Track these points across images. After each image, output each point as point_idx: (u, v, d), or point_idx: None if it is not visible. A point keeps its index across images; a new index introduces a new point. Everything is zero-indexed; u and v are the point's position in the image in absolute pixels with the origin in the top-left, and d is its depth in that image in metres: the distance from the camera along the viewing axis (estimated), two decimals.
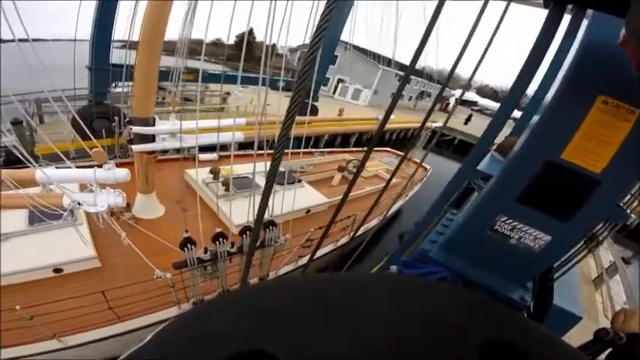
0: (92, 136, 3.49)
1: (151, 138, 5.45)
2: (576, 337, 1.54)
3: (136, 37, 10.55)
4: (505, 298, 1.82)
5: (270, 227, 4.44)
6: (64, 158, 3.31)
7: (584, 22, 1.17)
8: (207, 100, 16.62)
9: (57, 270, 4.35)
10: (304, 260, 5.52)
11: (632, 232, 16.79)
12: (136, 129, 5.27)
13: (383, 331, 0.41)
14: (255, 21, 5.05)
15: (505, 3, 2.48)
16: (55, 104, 3.47)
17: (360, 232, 6.65)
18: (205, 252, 3.99)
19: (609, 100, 1.12)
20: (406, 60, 24.46)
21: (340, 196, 2.15)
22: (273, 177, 1.30)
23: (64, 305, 3.53)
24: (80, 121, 3.36)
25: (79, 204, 3.26)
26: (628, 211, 1.54)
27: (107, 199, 3.35)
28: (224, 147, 9.05)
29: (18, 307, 3.13)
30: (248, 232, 4.14)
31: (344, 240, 6.48)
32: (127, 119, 5.42)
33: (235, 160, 6.21)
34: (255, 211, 1.54)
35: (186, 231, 3.92)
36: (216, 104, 15.82)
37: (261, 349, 0.36)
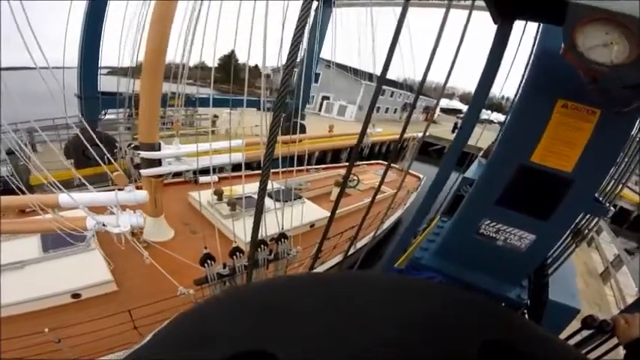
0: (100, 162, 3.57)
1: (158, 162, 5.63)
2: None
3: (124, 64, 10.80)
4: (502, 298, 1.85)
5: (282, 240, 4.60)
6: (60, 188, 3.36)
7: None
8: (196, 123, 16.70)
9: (75, 295, 4.38)
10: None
11: (634, 223, 17.11)
12: (144, 154, 5.44)
13: (383, 331, 0.42)
14: (237, 43, 5.24)
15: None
16: (46, 133, 3.52)
17: (364, 241, 6.72)
18: (224, 267, 4.12)
19: (569, 103, 1.19)
20: (388, 74, 25.03)
21: (342, 209, 2.20)
22: (263, 193, 1.34)
23: (87, 328, 3.55)
24: (87, 146, 3.44)
25: (103, 225, 3.39)
26: (607, 205, 1.61)
27: (129, 220, 3.51)
28: (219, 169, 9.26)
29: (47, 329, 3.17)
30: (263, 246, 4.32)
31: (347, 251, 6.59)
32: (133, 145, 5.56)
33: (235, 181, 6.40)
34: (252, 230, 1.58)
35: (206, 247, 4.10)
36: (206, 127, 15.92)
37: (262, 349, 0.37)
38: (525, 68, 3.16)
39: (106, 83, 10.75)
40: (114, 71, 12.34)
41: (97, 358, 3.68)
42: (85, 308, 4.27)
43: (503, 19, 1.11)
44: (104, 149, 3.74)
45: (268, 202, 4.23)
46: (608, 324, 1.19)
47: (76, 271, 4.60)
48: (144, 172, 5.51)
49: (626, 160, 1.52)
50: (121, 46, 10.05)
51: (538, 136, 1.30)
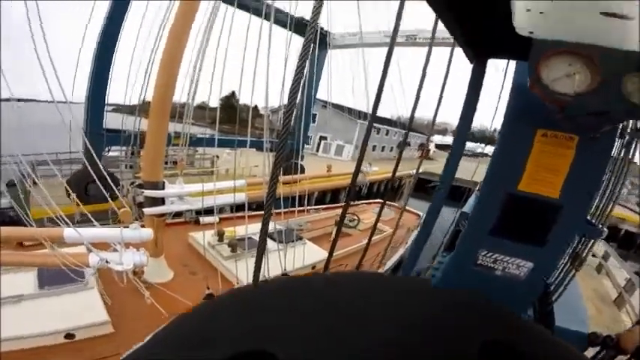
0: (79, 202, 3.58)
1: (161, 201, 5.65)
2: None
3: (129, 102, 11.21)
4: None
5: None
6: (67, 222, 3.41)
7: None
8: (197, 163, 16.95)
9: (69, 335, 4.22)
10: None
11: None
12: (148, 192, 5.50)
13: (383, 331, 0.42)
14: (237, 84, 5.54)
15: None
16: (48, 167, 3.57)
17: None
18: None
19: (548, 132, 1.27)
20: (382, 112, 25.91)
21: (342, 250, 2.22)
22: (265, 234, 1.35)
23: None
24: (89, 181, 3.47)
25: (107, 262, 3.37)
26: (600, 226, 1.63)
27: (133, 258, 3.49)
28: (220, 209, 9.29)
29: None
30: None
31: None
32: (137, 183, 5.61)
33: (236, 222, 6.37)
34: (254, 272, 1.58)
35: (208, 287, 4.11)
36: (206, 167, 16.15)
37: (262, 349, 0.37)
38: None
39: (111, 120, 11.08)
40: (118, 109, 12.82)
41: None
42: (79, 350, 4.10)
43: (478, 58, 1.22)
44: (110, 184, 3.80)
45: (270, 244, 4.25)
46: (612, 339, 1.18)
47: (71, 309, 4.47)
48: (147, 210, 5.53)
49: (613, 179, 1.58)
50: (128, 84, 10.51)
51: (522, 165, 1.36)
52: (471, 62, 1.27)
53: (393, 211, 11.61)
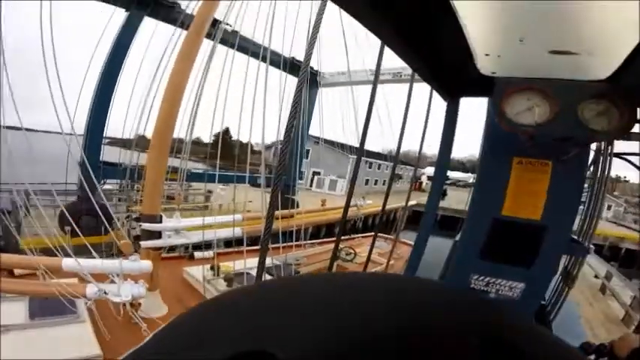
0: (80, 233, 3.58)
1: (158, 234, 5.64)
2: None
3: (128, 135, 11.32)
4: None
5: None
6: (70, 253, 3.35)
7: None
8: (190, 198, 16.85)
9: None
10: None
11: None
12: (145, 225, 5.48)
13: (384, 331, 0.43)
14: (232, 121, 5.76)
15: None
16: (41, 197, 3.59)
17: None
18: None
19: (523, 160, 1.38)
20: (373, 146, 26.44)
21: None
22: (263, 267, 1.39)
23: None
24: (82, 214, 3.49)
25: (105, 293, 3.34)
26: (586, 243, 1.69)
27: (131, 290, 3.48)
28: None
29: None
30: None
31: None
32: (135, 216, 5.59)
33: (230, 257, 6.28)
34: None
35: None
36: (199, 202, 16.05)
37: (262, 349, 0.38)
38: None
39: (107, 153, 11.16)
40: (114, 142, 12.95)
41: None
42: None
43: (451, 97, 1.35)
44: (103, 218, 3.80)
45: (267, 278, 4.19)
46: (605, 346, 1.20)
47: (62, 342, 4.27)
48: (144, 243, 5.48)
49: (594, 197, 1.67)
50: (127, 117, 10.71)
51: (503, 192, 1.45)
52: (445, 100, 1.40)
53: (389, 243, 11.54)
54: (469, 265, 1.74)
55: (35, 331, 4.39)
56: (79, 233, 3.39)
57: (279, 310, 0.45)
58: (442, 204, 26.10)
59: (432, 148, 3.81)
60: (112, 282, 3.47)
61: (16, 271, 5.32)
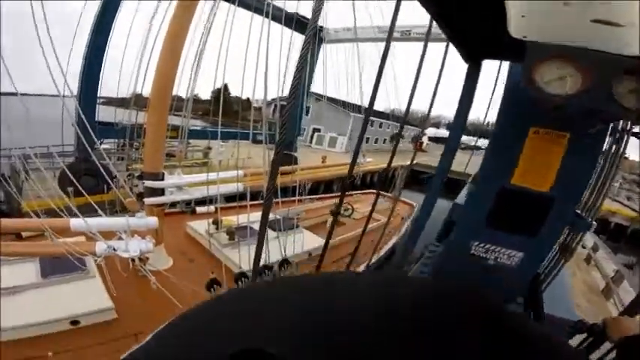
0: (84, 193, 3.62)
1: (161, 191, 5.73)
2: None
3: (121, 94, 11.04)
4: None
5: (285, 265, 4.81)
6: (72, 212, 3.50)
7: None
8: (189, 155, 16.82)
9: (74, 322, 4.29)
10: None
11: (631, 238, 17.19)
12: (148, 183, 5.56)
13: (384, 331, 0.43)
14: (229, 76, 5.58)
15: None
16: (41, 160, 3.59)
17: (359, 269, 6.70)
18: None
19: (540, 130, 1.32)
20: (375, 105, 25.83)
21: (338, 238, 2.27)
22: (265, 222, 1.40)
23: (89, 353, 3.51)
24: (80, 175, 3.51)
25: (114, 250, 3.43)
26: (589, 219, 1.69)
27: (139, 246, 3.58)
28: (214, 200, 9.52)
29: (50, 353, 3.17)
30: (267, 271, 4.52)
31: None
32: (137, 174, 5.64)
33: (232, 212, 6.56)
34: (255, 255, 1.63)
35: (212, 272, 4.17)
36: (198, 159, 16.05)
37: (261, 349, 0.38)
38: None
39: (102, 113, 10.92)
40: (110, 101, 12.60)
41: None
42: (85, 335, 4.17)
43: (472, 59, 1.25)
44: (105, 176, 3.82)
45: (268, 232, 4.36)
46: (598, 326, 1.24)
47: (75, 297, 4.53)
48: (147, 200, 5.56)
49: (604, 174, 1.64)
50: (120, 76, 10.34)
51: (515, 161, 1.41)
52: (466, 62, 1.30)
53: (387, 201, 11.74)
54: (471, 232, 1.75)
55: (48, 289, 4.61)
56: (84, 193, 3.40)
57: (279, 309, 0.45)
58: None
59: (435, 110, 3.69)
60: (120, 239, 3.54)
61: (24, 234, 5.49)
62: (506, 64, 1.51)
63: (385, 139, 37.83)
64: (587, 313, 5.92)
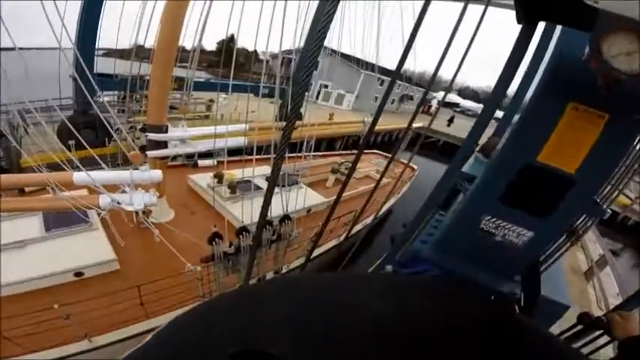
0: (87, 145, 3.56)
1: (164, 144, 5.72)
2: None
3: (121, 46, 10.56)
4: (495, 292, 1.90)
5: (286, 221, 4.82)
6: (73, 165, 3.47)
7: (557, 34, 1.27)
8: (191, 107, 16.46)
9: (78, 274, 4.44)
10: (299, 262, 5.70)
11: (620, 224, 17.54)
12: (152, 136, 5.54)
13: (384, 331, 0.43)
14: (236, 27, 5.30)
15: (482, 6, 2.57)
16: (40, 115, 3.52)
17: (357, 227, 6.89)
18: (230, 246, 4.22)
19: (579, 106, 1.22)
20: (386, 63, 24.84)
21: (336, 196, 2.26)
22: (276, 178, 1.37)
23: (94, 305, 3.61)
24: (80, 128, 3.44)
25: (118, 203, 3.47)
26: (605, 206, 1.65)
27: (143, 199, 3.62)
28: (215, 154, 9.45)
29: (56, 305, 3.21)
30: (268, 226, 4.52)
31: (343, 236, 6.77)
32: (140, 127, 5.59)
33: (233, 166, 6.64)
34: (261, 210, 1.62)
35: (215, 226, 4.14)
36: (201, 112, 15.73)
37: (261, 349, 0.37)
38: (530, 68, 3.19)
39: (102, 65, 10.53)
40: (109, 53, 12.06)
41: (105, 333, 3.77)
42: (89, 286, 4.32)
43: (528, 19, 1.12)
44: (108, 129, 3.76)
45: (263, 187, 4.42)
46: (603, 320, 1.24)
47: (78, 250, 4.65)
48: (150, 153, 5.57)
49: (626, 165, 1.56)
50: (119, 27, 9.81)
51: (547, 136, 1.32)
52: (519, 23, 1.17)
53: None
54: (484, 205, 1.71)
55: (52, 242, 4.74)
56: (87, 146, 3.34)
57: (279, 310, 0.45)
58: (448, 131, 25.80)
59: (447, 73, 3.48)
60: (123, 192, 3.55)
61: (27, 188, 5.55)
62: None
63: (394, 100, 36.83)
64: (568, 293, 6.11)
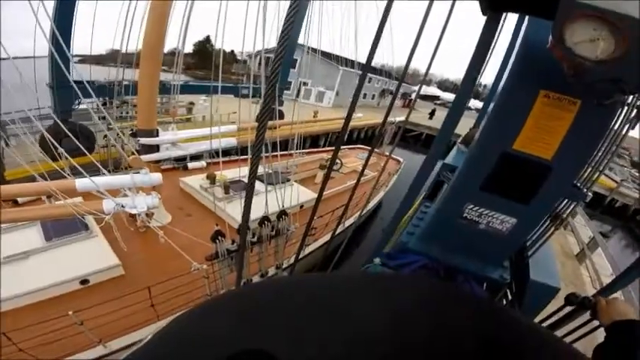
0: (85, 151, 3.49)
1: (156, 148, 5.76)
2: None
3: (95, 52, 10.17)
4: (485, 279, 1.94)
5: (283, 217, 4.92)
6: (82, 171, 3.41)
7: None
8: (172, 111, 16.16)
9: (83, 281, 4.40)
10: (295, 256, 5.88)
11: (608, 207, 18.25)
12: (144, 140, 5.58)
13: (383, 331, 0.43)
14: (212, 29, 5.27)
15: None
16: (17, 126, 3.43)
17: (350, 221, 6.97)
18: (232, 243, 4.27)
19: (550, 94, 1.25)
20: (363, 59, 24.98)
21: (328, 192, 2.27)
22: (254, 176, 1.38)
23: (104, 310, 3.56)
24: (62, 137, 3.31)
25: (122, 207, 3.48)
26: (585, 190, 1.70)
27: (145, 201, 3.67)
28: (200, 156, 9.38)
29: (70, 312, 3.18)
30: (266, 222, 4.63)
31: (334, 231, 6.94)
32: (130, 132, 5.56)
33: (223, 166, 6.56)
34: (244, 208, 1.63)
35: (217, 224, 4.17)
36: (182, 115, 15.49)
37: (261, 349, 0.37)
38: (505, 58, 3.27)
39: (78, 71, 10.13)
40: (84, 59, 11.63)
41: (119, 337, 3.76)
42: (96, 293, 4.28)
43: (492, 10, 1.13)
44: (90, 137, 3.70)
45: (260, 185, 4.49)
46: (590, 300, 1.26)
47: (81, 257, 4.61)
48: (144, 157, 5.50)
49: (604, 148, 1.61)
50: (93, 32, 9.47)
51: (520, 125, 1.35)
52: (484, 14, 1.18)
53: (375, 156, 11.93)
54: (466, 194, 1.74)
55: (54, 251, 4.64)
56: (87, 153, 3.28)
57: (279, 310, 0.45)
58: (430, 123, 26.20)
59: (424, 66, 3.54)
60: (125, 196, 3.55)
61: (20, 200, 5.45)
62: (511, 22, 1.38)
63: (374, 95, 37.06)
64: (561, 275, 6.33)
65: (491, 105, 1.61)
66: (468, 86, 1.38)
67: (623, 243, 15.36)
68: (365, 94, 35.24)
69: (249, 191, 1.52)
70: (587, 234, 8.88)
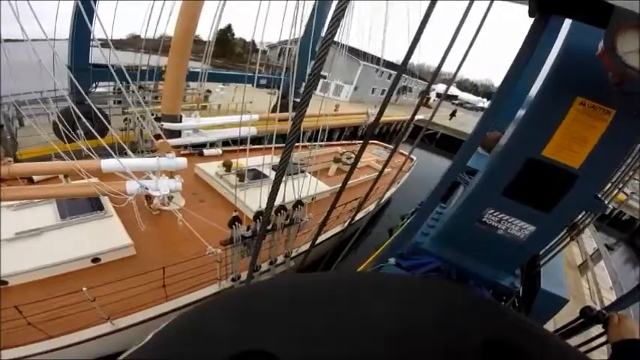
0: (96, 134, 3.58)
1: (178, 134, 5.86)
2: (565, 318, 1.67)
3: (116, 36, 10.31)
4: (496, 285, 1.92)
5: (299, 206, 5.02)
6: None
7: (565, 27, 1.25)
8: (188, 98, 16.30)
9: (95, 260, 4.48)
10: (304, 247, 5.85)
11: (615, 220, 17.70)
12: (167, 125, 5.68)
13: (384, 331, 0.43)
14: (233, 18, 5.35)
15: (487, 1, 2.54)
16: (32, 107, 3.49)
17: (360, 214, 6.97)
18: (247, 229, 4.32)
19: (586, 101, 1.22)
20: (387, 56, 24.64)
21: (339, 184, 2.29)
22: (285, 166, 1.40)
23: (115, 288, 3.62)
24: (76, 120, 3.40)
25: (146, 188, 3.56)
26: (606, 202, 1.66)
27: (168, 184, 3.74)
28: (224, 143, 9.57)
29: (84, 288, 3.24)
30: (282, 211, 4.69)
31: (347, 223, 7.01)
32: (155, 116, 5.67)
33: (238, 155, 6.88)
34: (269, 196, 1.64)
35: (235, 210, 4.23)
36: (194, 103, 15.61)
37: (262, 349, 0.37)
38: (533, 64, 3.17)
39: (97, 55, 10.33)
40: (105, 43, 11.75)
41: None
42: (107, 271, 4.35)
43: (541, 13, 1.10)
44: (102, 120, 3.75)
45: (272, 176, 4.49)
46: (604, 314, 1.25)
47: (94, 236, 4.69)
48: (169, 142, 5.62)
49: (627, 163, 1.57)
50: (115, 16, 9.61)
51: (552, 131, 1.33)
52: (532, 16, 1.15)
53: (388, 152, 11.86)
54: (487, 199, 1.72)
55: (67, 229, 4.74)
56: (114, 134, 3.36)
57: (280, 309, 0.45)
58: (448, 124, 25.78)
59: (447, 66, 3.47)
60: (148, 179, 3.62)
61: (35, 178, 5.55)
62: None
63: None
64: None
65: (521, 110, 1.57)
66: (507, 88, 1.35)
67: (624, 257, 14.95)
68: (383, 90, 34.81)
69: (277, 179, 1.52)
70: (592, 245, 8.65)
